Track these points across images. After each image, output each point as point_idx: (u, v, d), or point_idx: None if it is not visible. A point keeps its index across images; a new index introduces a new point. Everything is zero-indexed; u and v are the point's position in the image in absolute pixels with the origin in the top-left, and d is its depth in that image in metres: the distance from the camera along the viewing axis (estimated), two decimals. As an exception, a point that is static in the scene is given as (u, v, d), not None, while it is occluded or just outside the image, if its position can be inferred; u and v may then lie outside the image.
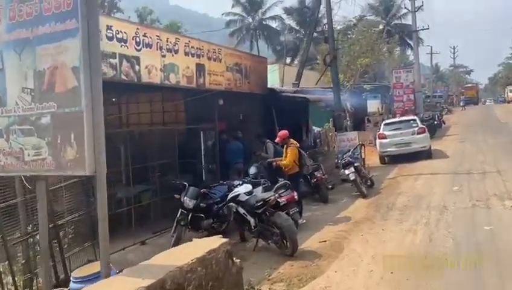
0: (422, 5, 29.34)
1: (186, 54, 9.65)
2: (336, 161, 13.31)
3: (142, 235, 8.98)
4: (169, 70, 9.11)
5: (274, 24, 54.70)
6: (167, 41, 9.04)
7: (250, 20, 54.49)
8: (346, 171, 11.86)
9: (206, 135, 13.51)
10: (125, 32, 7.95)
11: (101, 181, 4.00)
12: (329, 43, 14.90)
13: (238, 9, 54.94)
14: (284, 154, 9.93)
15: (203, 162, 13.31)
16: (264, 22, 54.14)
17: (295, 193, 9.07)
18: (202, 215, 8.43)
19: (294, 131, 17.08)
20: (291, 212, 8.88)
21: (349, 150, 13.41)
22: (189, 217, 8.33)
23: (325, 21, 17.11)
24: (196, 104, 12.59)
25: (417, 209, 9.53)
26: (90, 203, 7.88)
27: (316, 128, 19.06)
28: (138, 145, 11.36)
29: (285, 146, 10.02)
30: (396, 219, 8.91)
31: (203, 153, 13.26)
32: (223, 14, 56.89)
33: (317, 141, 18.69)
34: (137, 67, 8.22)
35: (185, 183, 8.63)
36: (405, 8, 30.05)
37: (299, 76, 17.02)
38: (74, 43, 3.99)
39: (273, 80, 21.90)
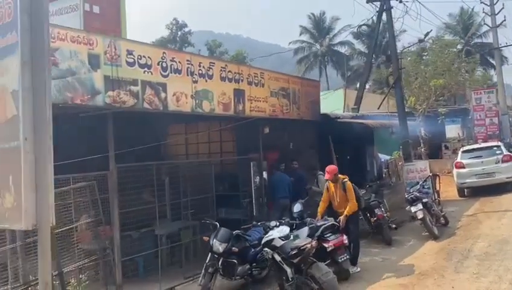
0: (505, 20, 26.47)
1: (222, 79, 8.82)
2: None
3: (173, 280, 8.07)
4: (202, 97, 8.30)
5: (343, 49, 53.45)
6: (200, 65, 8.29)
7: (318, 46, 53.82)
8: (413, 209, 10.15)
9: (257, 166, 12.58)
10: (149, 57, 7.29)
11: (44, 237, 3.08)
12: (392, 62, 13.40)
13: (305, 37, 54.68)
14: (334, 194, 8.53)
15: (253, 196, 12.35)
16: (332, 48, 53.13)
17: (345, 237, 7.70)
18: (235, 261, 7.31)
19: (356, 161, 15.70)
20: (340, 260, 7.52)
21: (417, 183, 11.65)
22: (220, 263, 7.26)
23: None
24: (242, 133, 11.77)
25: (501, 259, 7.66)
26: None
27: (383, 157, 17.34)
28: (184, 178, 10.68)
29: (336, 184, 8.57)
30: (473, 272, 7.13)
31: (253, 186, 12.31)
32: (290, 43, 56.77)
33: (384, 171, 16.97)
34: (163, 94, 7.49)
35: (216, 223, 7.63)
36: (485, 24, 27.25)
37: (358, 100, 15.57)
38: (14, 62, 3.19)
39: (338, 105, 20.60)
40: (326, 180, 8.65)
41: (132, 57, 7.03)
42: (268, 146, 11.95)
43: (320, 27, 54.25)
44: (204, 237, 7.47)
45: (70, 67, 6.11)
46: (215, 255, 7.28)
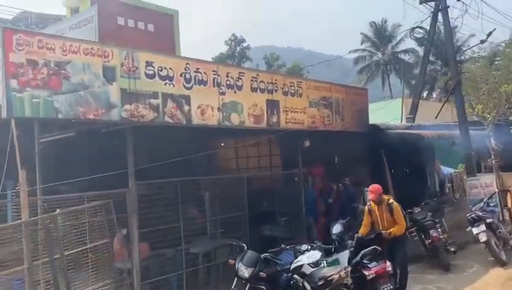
0: None
1: (253, 89, 8.29)
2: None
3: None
4: (231, 109, 7.82)
5: (406, 57, 51.11)
6: (227, 76, 7.82)
7: (380, 55, 51.95)
8: (475, 230, 8.88)
9: (305, 181, 11.87)
10: (170, 69, 6.95)
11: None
12: (450, 66, 12.12)
13: (366, 45, 53.02)
14: (378, 218, 7.59)
15: (304, 211, 11.64)
16: (395, 56, 51.01)
17: (388, 264, 6.76)
18: (263, 287, 6.63)
19: (414, 175, 14.40)
20: (384, 289, 6.59)
21: (481, 200, 10.28)
22: (247, 289, 6.64)
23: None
24: (284, 147, 11.14)
25: None
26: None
27: (447, 170, 15.82)
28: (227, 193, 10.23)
29: (381, 206, 7.64)
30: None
31: (302, 201, 11.62)
32: (350, 52, 55.33)
33: (448, 186, 15.45)
34: (186, 107, 7.10)
35: (243, 245, 7.02)
36: None
37: (414, 108, 14.29)
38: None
39: (396, 115, 19.26)
40: (368, 201, 7.76)
41: (152, 68, 6.71)
42: (311, 160, 11.23)
43: (381, 35, 52.32)
44: (230, 260, 6.90)
45: (82, 81, 5.89)
46: (242, 281, 6.68)
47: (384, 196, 7.62)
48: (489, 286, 7.54)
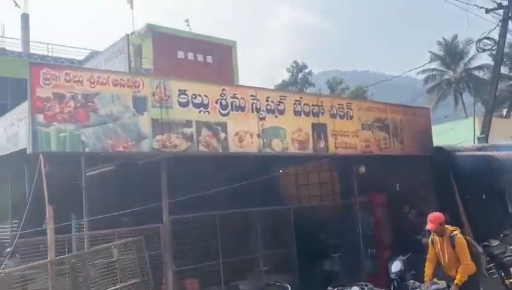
0: None
1: (296, 113, 7.77)
2: None
3: None
4: (272, 135, 7.33)
5: (480, 74, 47.88)
6: (267, 100, 7.38)
7: (451, 73, 49.23)
8: None
9: (363, 211, 11.00)
10: (205, 96, 6.65)
11: None
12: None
13: (436, 64, 50.59)
14: (440, 251, 6.57)
15: (361, 245, 10.76)
16: (469, 73, 48.02)
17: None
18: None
19: (490, 203, 12.85)
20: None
21: None
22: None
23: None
24: (340, 173, 10.40)
25: None
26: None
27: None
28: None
29: (443, 238, 6.64)
30: None
31: (360, 233, 10.75)
32: (418, 73, 53.03)
33: (533, 213, 13.62)
34: (222, 135, 6.73)
35: (287, 285, 6.37)
36: None
37: (486, 127, 12.83)
38: None
39: (468, 136, 17.69)
40: (428, 231, 6.77)
41: (185, 96, 6.45)
42: (369, 188, 10.36)
43: (452, 52, 49.67)
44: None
45: (111, 113, 5.73)
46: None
47: (447, 226, 6.59)
48: None
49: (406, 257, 7.78)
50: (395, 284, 6.78)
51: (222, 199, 7.62)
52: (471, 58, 47.63)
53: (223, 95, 6.85)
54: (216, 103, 6.76)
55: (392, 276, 6.90)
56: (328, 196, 11.40)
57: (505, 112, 40.34)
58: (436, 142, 11.31)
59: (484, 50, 14.06)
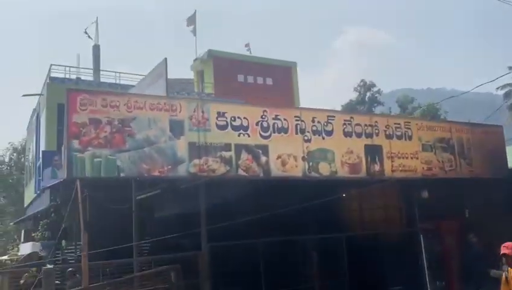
0: None
1: (346, 134, 7.26)
2: None
3: None
4: (318, 157, 6.89)
5: None
6: (313, 121, 6.97)
7: (535, 87, 45.31)
8: None
9: (429, 239, 10.08)
10: (245, 118, 6.40)
11: None
12: None
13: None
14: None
15: (427, 276, 9.84)
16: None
17: None
18: None
19: None
20: None
21: None
22: None
23: None
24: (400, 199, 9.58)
25: None
26: None
27: None
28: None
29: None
30: None
31: (425, 264, 9.85)
32: (498, 89, 49.46)
33: None
34: (263, 158, 6.42)
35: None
36: None
37: None
38: None
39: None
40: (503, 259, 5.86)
41: (224, 119, 6.25)
42: (433, 215, 9.45)
43: (535, 64, 45.79)
44: None
45: (148, 137, 5.67)
46: None
47: None
48: None
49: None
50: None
51: (271, 227, 7.27)
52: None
53: (264, 116, 6.57)
54: (257, 124, 6.49)
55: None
56: (393, 223, 10.58)
57: None
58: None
59: None
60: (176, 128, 5.87)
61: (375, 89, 55.13)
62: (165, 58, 6.60)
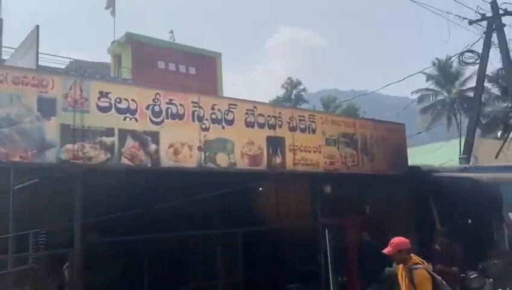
0: None
1: (248, 124, 6.89)
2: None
3: None
4: (216, 148, 6.43)
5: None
6: (213, 108, 6.50)
7: (446, 93, 48.80)
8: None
9: (333, 235, 10.07)
10: (133, 100, 5.75)
11: None
12: (510, 95, 9.93)
13: (431, 85, 50.23)
14: (400, 283, 5.62)
15: (330, 270, 9.81)
16: (463, 94, 47.48)
17: None
18: None
19: (474, 230, 11.92)
20: None
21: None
22: None
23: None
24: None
25: None
26: None
27: (521, 222, 13.08)
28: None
29: (403, 267, 5.74)
30: None
31: (329, 258, 9.82)
32: (412, 93, 52.58)
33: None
34: (153, 146, 5.82)
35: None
36: None
37: (468, 148, 11.94)
38: None
39: (455, 157, 16.82)
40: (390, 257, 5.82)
41: (107, 100, 5.56)
42: (342, 210, 9.45)
43: (447, 72, 49.32)
44: None
45: (8, 115, 4.84)
46: None
47: (414, 257, 5.62)
48: None
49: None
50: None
51: (165, 221, 6.72)
52: (467, 79, 47.22)
53: (156, 100, 5.97)
54: (147, 108, 5.87)
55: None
56: (298, 218, 10.47)
57: (499, 134, 39.61)
58: (421, 162, 10.42)
59: (467, 64, 13.32)
60: (46, 107, 5.09)
61: (301, 87, 56.33)
62: (37, 26, 5.72)
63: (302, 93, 57.31)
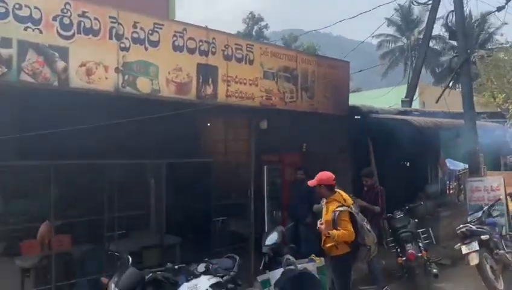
0: None
1: (176, 48, 6.31)
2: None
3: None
4: (137, 71, 5.87)
5: (432, 43, 47.85)
6: (135, 27, 5.85)
7: (405, 40, 49.03)
8: (464, 249, 6.76)
9: (271, 171, 9.97)
10: (37, 9, 5.01)
11: None
12: (457, 40, 9.79)
13: (391, 30, 50.17)
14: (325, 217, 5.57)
15: (265, 206, 9.82)
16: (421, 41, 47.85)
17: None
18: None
19: (409, 171, 12.24)
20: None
21: (481, 207, 8.10)
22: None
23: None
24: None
25: None
26: None
27: (456, 166, 13.59)
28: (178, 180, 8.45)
29: (324, 201, 5.69)
30: None
31: (266, 194, 9.79)
32: (373, 37, 52.31)
33: (451, 185, 13.26)
34: (61, 63, 5.19)
35: (127, 256, 5.11)
36: None
37: (411, 90, 11.93)
38: None
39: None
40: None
41: (3, 5, 4.80)
42: (275, 147, 9.29)
43: (408, 20, 49.19)
44: (103, 278, 5.00)
45: None
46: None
47: (339, 192, 5.53)
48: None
49: (288, 226, 6.79)
50: (266, 259, 5.74)
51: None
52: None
53: (65, 11, 5.23)
54: (54, 20, 5.15)
55: (264, 250, 5.83)
56: (241, 153, 10.28)
57: (451, 84, 40.71)
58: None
59: (419, 3, 13.06)
60: None
61: (262, 24, 54.76)
62: None
63: (264, 30, 55.78)
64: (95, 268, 6.48)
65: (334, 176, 5.66)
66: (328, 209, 5.45)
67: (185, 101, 6.43)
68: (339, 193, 5.58)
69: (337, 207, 5.29)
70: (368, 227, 5.46)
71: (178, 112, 6.00)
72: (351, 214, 5.31)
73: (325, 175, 5.61)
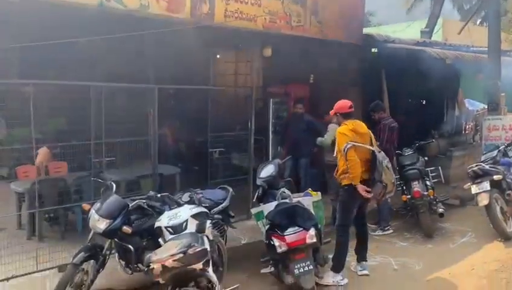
0: None
1: (168, -42, 5.62)
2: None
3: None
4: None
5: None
6: None
7: (433, -29, 45.80)
8: (475, 189, 6.35)
9: (276, 104, 9.55)
10: None
11: None
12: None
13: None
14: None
15: (270, 141, 9.52)
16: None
17: (309, 233, 4.51)
18: (130, 246, 4.56)
19: (425, 108, 11.63)
20: (297, 271, 4.44)
21: (497, 147, 7.58)
22: (107, 246, 4.60)
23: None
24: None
25: None
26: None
27: (475, 105, 12.85)
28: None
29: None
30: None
31: (270, 129, 9.46)
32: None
33: (468, 124, 12.60)
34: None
35: (111, 183, 4.84)
36: None
37: (432, 21, 10.96)
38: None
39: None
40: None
41: None
42: (281, 77, 8.75)
43: None
44: (84, 205, 4.77)
45: None
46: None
47: (356, 122, 5.10)
48: (484, 265, 5.28)
49: (285, 160, 6.43)
50: (260, 192, 5.44)
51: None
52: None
53: None
54: None
55: (258, 182, 5.52)
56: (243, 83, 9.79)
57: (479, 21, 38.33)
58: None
59: None
60: None
61: None
62: None
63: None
64: (90, 195, 6.32)
65: (350, 103, 5.21)
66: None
67: (175, 19, 5.84)
68: (352, 122, 5.14)
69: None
70: (389, 165, 5.08)
71: (168, 30, 5.45)
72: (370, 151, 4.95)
73: (340, 103, 5.20)
